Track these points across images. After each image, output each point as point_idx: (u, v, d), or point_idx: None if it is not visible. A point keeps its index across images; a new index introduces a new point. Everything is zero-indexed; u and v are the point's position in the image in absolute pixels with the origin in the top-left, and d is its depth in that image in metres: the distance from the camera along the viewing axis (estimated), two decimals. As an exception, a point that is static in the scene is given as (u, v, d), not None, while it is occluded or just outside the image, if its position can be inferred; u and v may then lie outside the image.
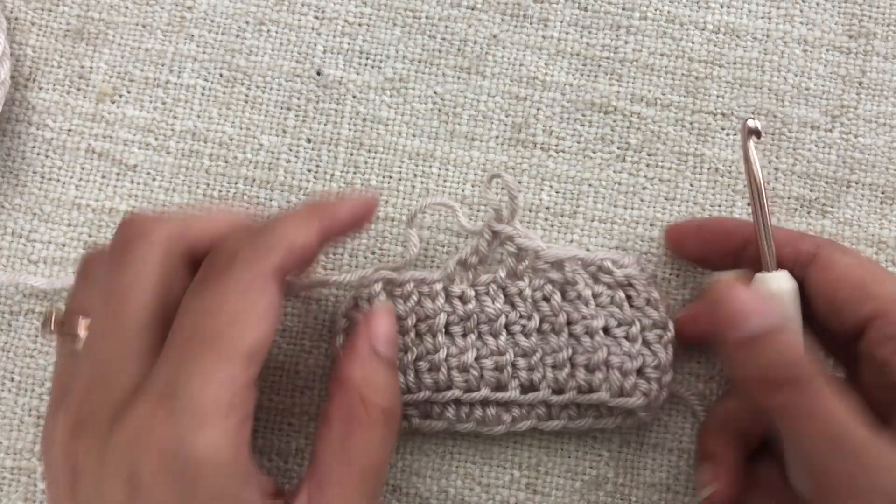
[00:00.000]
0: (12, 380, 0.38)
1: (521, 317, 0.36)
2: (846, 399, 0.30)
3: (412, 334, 0.36)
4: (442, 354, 0.36)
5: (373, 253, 0.39)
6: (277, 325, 0.30)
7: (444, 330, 0.36)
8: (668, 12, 0.42)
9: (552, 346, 0.36)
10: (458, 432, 0.38)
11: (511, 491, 0.38)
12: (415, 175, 0.40)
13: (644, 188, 0.40)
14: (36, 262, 0.39)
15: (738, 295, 0.32)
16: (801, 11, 0.42)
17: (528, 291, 0.37)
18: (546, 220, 0.40)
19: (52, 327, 0.32)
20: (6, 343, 0.39)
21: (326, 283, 0.36)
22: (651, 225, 0.40)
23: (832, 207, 0.40)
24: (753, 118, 0.34)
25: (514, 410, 0.37)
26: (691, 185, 0.40)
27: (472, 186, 0.40)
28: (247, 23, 0.41)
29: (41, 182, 0.40)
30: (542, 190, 0.40)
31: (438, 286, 0.37)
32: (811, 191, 0.40)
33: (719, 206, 0.40)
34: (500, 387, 0.36)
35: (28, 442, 0.38)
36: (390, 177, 0.40)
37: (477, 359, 0.36)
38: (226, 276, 0.30)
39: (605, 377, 0.36)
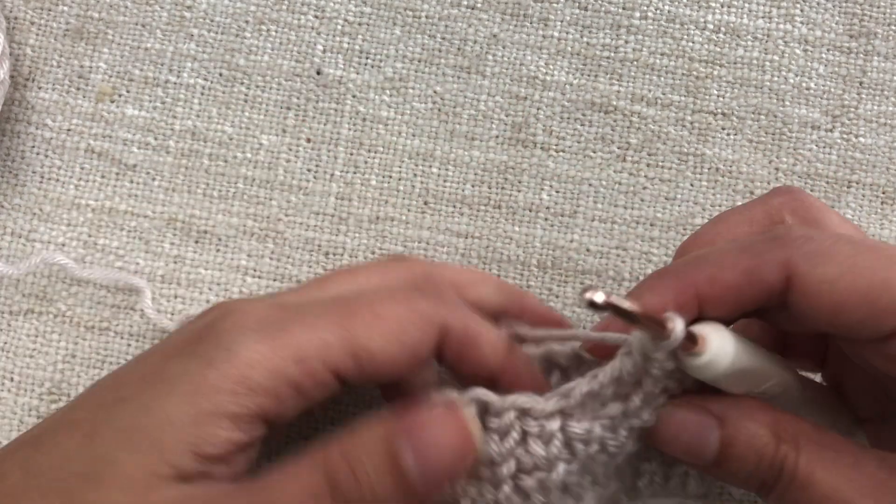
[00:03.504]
0: (12, 380, 0.38)
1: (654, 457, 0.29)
2: (839, 465, 0.27)
3: (509, 488, 0.26)
4: None
5: (372, 253, 0.39)
6: (406, 365, 0.28)
7: (562, 487, 0.27)
8: (669, 12, 0.41)
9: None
10: None
11: (511, 492, 0.38)
12: (415, 175, 0.40)
13: (644, 188, 0.40)
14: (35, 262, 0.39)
15: (678, 424, 0.27)
16: (802, 11, 0.42)
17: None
18: (546, 219, 0.40)
19: None
20: (6, 343, 0.39)
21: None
22: (651, 225, 0.40)
23: (833, 207, 0.40)
24: (594, 289, 0.23)
25: None
26: (692, 185, 0.40)
27: (472, 186, 0.40)
28: (246, 22, 0.41)
29: (40, 182, 0.40)
30: (542, 190, 0.40)
31: (554, 424, 0.27)
32: (812, 191, 0.40)
33: (720, 205, 0.40)
34: None
35: (28, 442, 0.38)
36: (390, 177, 0.40)
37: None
38: (387, 300, 0.29)
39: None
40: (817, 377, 0.34)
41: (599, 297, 0.23)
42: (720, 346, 0.26)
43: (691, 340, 0.25)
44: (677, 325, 0.25)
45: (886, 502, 0.26)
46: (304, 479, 0.25)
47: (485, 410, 0.27)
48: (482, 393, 0.27)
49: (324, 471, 0.25)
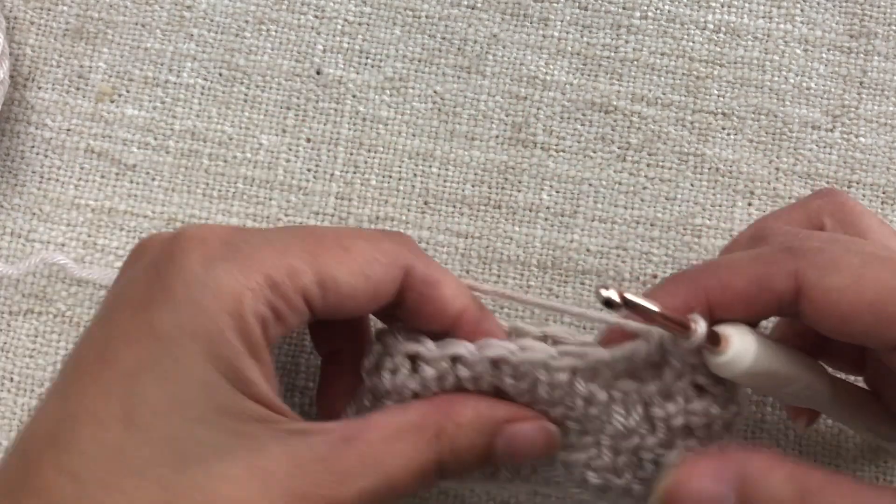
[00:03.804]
0: (12, 380, 0.38)
1: (660, 444, 0.29)
2: None
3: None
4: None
5: (372, 253, 0.39)
6: (369, 300, 0.29)
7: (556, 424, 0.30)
8: (669, 11, 0.41)
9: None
10: None
11: (512, 493, 0.38)
12: (415, 175, 0.40)
13: (644, 188, 0.40)
14: (35, 262, 0.39)
15: (687, 500, 0.26)
16: (802, 11, 0.42)
17: (678, 420, 0.28)
18: (546, 219, 0.40)
19: None
20: (6, 343, 0.39)
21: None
22: (651, 225, 0.40)
23: (833, 208, 0.40)
24: (606, 288, 0.25)
25: None
26: (692, 185, 0.40)
27: (472, 186, 0.40)
28: (246, 22, 0.41)
29: (40, 182, 0.40)
30: (542, 190, 0.40)
31: (564, 375, 0.29)
32: (812, 191, 0.40)
33: (720, 205, 0.40)
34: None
35: (27, 442, 0.38)
36: (390, 176, 0.40)
37: (590, 468, 0.30)
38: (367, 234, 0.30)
39: None
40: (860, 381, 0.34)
41: (614, 295, 0.24)
42: (742, 347, 0.27)
43: (714, 340, 0.27)
44: (700, 326, 0.26)
45: None
46: (411, 441, 0.27)
47: (497, 363, 0.29)
48: (497, 344, 0.29)
49: (432, 435, 0.28)
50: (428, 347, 0.30)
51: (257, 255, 0.27)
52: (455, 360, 0.29)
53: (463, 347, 0.29)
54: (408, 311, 0.30)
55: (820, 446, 0.38)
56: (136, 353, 0.26)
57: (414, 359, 0.30)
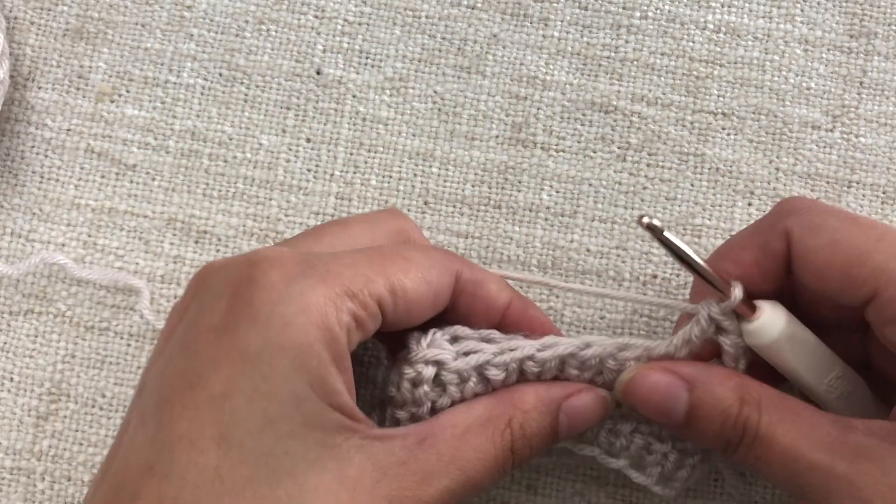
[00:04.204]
0: (12, 380, 0.38)
1: None
2: (798, 425, 0.29)
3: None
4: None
5: (373, 253, 0.39)
6: (431, 306, 0.31)
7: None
8: (669, 11, 0.41)
9: None
10: None
11: (511, 492, 0.38)
12: (415, 175, 0.40)
13: (644, 188, 0.40)
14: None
15: (650, 386, 0.31)
16: (802, 11, 0.42)
17: None
18: (546, 219, 0.40)
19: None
20: (6, 343, 0.39)
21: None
22: (651, 225, 0.40)
23: (833, 207, 0.40)
24: (648, 217, 0.29)
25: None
26: (692, 185, 0.40)
27: (472, 186, 0.40)
28: (246, 22, 0.41)
29: (40, 182, 0.40)
30: (542, 190, 0.40)
31: (632, 364, 0.32)
32: (812, 191, 0.40)
33: (720, 205, 0.40)
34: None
35: (27, 442, 0.38)
36: (390, 177, 0.40)
37: (638, 432, 0.33)
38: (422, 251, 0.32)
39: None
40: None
41: (657, 221, 0.29)
42: (772, 317, 0.30)
43: (750, 309, 0.30)
44: (738, 288, 0.30)
45: (838, 455, 0.29)
46: (483, 434, 0.30)
47: (564, 359, 0.32)
48: (565, 342, 0.32)
49: (503, 426, 0.30)
50: (492, 352, 0.31)
51: (333, 268, 0.28)
52: (524, 359, 0.32)
53: (531, 348, 0.32)
54: (460, 313, 0.32)
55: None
56: (225, 376, 0.27)
57: (481, 368, 0.31)
